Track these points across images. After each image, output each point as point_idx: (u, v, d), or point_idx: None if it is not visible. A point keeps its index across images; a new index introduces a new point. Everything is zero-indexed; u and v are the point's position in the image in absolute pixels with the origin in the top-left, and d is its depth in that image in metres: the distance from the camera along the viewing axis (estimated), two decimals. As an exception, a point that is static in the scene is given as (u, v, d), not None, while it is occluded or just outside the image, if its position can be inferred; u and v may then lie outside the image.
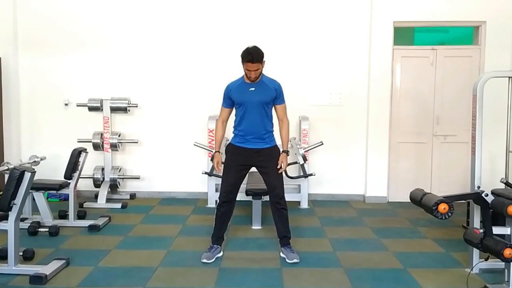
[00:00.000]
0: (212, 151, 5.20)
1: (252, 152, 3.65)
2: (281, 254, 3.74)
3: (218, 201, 3.76)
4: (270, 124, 3.71)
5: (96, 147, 5.71)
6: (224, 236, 3.87)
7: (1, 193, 3.36)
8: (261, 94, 3.58)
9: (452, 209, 2.92)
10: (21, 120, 5.96)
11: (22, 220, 4.35)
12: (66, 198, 5.25)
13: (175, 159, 5.97)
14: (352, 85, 5.84)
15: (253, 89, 3.57)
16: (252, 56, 3.42)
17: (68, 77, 5.93)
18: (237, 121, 3.70)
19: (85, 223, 4.53)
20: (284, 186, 3.79)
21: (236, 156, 3.69)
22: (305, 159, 5.18)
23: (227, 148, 3.83)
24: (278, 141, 3.82)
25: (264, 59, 3.50)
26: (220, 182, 3.96)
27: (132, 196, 5.88)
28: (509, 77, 3.70)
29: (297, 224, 4.60)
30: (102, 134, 5.71)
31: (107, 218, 4.72)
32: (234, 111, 3.76)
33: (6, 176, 3.42)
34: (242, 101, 3.60)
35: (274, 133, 3.77)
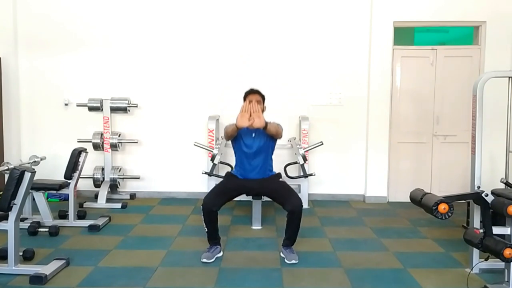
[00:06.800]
0: (212, 151, 5.19)
1: (253, 182, 3.87)
2: (281, 254, 3.74)
3: (203, 207, 3.65)
4: (271, 162, 3.99)
5: (96, 147, 5.71)
6: (220, 236, 3.83)
7: (1, 193, 3.35)
8: (262, 137, 3.80)
9: (452, 209, 2.91)
10: (21, 120, 5.96)
11: (22, 220, 4.35)
12: (66, 198, 5.25)
13: (175, 159, 5.97)
14: (352, 85, 5.84)
15: (254, 134, 3.82)
16: (252, 88, 3.83)
17: (68, 77, 5.93)
18: (238, 162, 3.96)
19: (85, 223, 4.53)
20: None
21: (235, 183, 3.90)
22: (305, 159, 5.17)
23: (228, 174, 4.06)
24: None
25: (265, 104, 3.84)
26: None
27: (132, 196, 5.88)
28: (509, 77, 3.69)
29: (297, 224, 4.60)
30: (102, 134, 5.71)
31: (107, 218, 4.71)
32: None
33: (6, 176, 3.42)
34: (244, 143, 3.83)
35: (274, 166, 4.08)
